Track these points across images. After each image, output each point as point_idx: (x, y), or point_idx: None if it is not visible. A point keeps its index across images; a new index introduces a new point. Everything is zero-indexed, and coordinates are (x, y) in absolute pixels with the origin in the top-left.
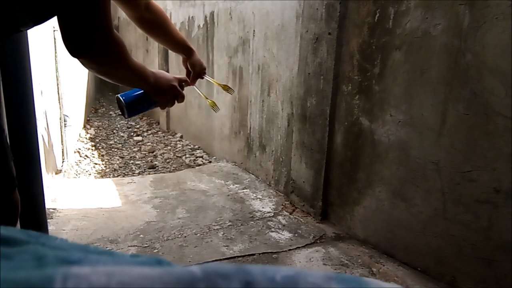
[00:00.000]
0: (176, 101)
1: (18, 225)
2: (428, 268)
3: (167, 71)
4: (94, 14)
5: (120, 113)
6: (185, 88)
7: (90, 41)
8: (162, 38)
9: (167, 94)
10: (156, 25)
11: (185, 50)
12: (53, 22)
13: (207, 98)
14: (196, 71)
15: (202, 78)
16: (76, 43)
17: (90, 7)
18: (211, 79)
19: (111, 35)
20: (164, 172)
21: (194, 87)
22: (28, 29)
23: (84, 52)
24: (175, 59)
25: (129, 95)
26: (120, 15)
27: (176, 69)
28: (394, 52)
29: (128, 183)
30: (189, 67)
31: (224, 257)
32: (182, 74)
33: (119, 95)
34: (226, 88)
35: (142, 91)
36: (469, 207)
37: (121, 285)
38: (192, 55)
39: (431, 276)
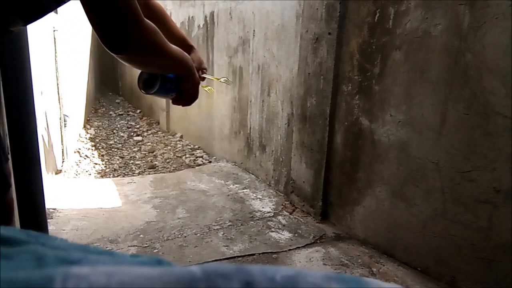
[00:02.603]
0: (189, 103)
1: (18, 225)
2: (428, 268)
3: None
4: (120, 9)
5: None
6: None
7: (124, 39)
8: None
9: (195, 88)
10: (155, 23)
11: (185, 47)
12: (53, 22)
13: (218, 79)
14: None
15: (203, 79)
16: (112, 43)
17: (113, 2)
18: (211, 76)
19: (143, 26)
20: (164, 172)
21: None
22: (17, 28)
23: (122, 50)
24: None
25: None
26: None
27: None
28: (394, 52)
29: (128, 183)
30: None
31: (224, 257)
32: None
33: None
34: (226, 81)
35: (174, 77)
36: (469, 207)
37: (121, 285)
38: (192, 52)
39: (431, 276)
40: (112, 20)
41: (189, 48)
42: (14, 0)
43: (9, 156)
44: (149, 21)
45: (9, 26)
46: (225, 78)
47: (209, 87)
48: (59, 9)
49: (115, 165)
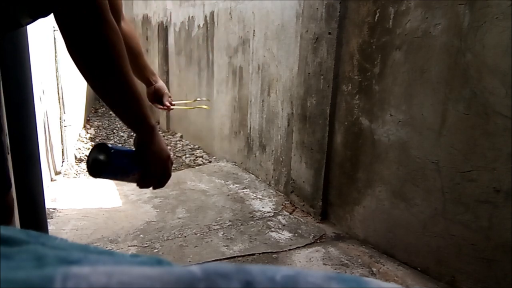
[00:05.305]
0: (160, 181)
1: (18, 225)
2: (428, 268)
3: (167, 71)
4: None
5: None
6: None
7: (76, 23)
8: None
9: (164, 160)
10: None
11: (148, 75)
12: (53, 21)
13: (195, 107)
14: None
15: (169, 106)
16: (64, 26)
17: None
18: (181, 102)
19: (105, 20)
20: None
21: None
22: (27, 23)
23: (69, 36)
24: (175, 59)
25: (117, 147)
26: None
27: (176, 69)
28: (394, 52)
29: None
30: (156, 93)
31: (224, 257)
32: (183, 73)
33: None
34: (194, 101)
35: (133, 150)
36: (469, 207)
37: (121, 285)
38: (156, 81)
39: (431, 276)
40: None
41: (151, 75)
42: None
43: (9, 156)
44: (121, 28)
45: (19, 19)
46: (203, 100)
47: (204, 105)
48: None
49: None
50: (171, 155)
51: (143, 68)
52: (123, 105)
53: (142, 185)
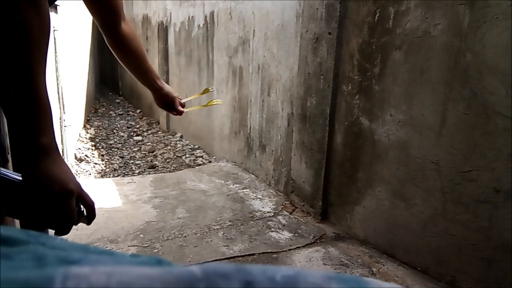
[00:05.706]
0: (54, 224)
1: (18, 225)
2: (428, 268)
3: (167, 71)
4: None
5: None
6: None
7: None
8: (134, 70)
9: (54, 194)
10: (127, 45)
11: (152, 77)
12: (53, 22)
13: (207, 105)
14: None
15: (183, 105)
16: None
17: None
18: (191, 98)
19: None
20: (164, 172)
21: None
22: None
23: None
24: (175, 59)
25: None
26: None
27: (176, 68)
28: (394, 52)
29: (128, 183)
30: (164, 99)
31: (224, 257)
32: (183, 73)
33: None
34: (207, 91)
35: (20, 179)
36: (469, 207)
37: (121, 285)
38: (161, 85)
39: (431, 276)
40: None
41: (156, 79)
42: None
43: (9, 156)
44: (122, 29)
45: None
46: (207, 89)
47: (217, 100)
48: (59, 9)
49: (115, 165)
50: (72, 188)
51: (147, 71)
52: (13, 105)
53: (25, 224)
